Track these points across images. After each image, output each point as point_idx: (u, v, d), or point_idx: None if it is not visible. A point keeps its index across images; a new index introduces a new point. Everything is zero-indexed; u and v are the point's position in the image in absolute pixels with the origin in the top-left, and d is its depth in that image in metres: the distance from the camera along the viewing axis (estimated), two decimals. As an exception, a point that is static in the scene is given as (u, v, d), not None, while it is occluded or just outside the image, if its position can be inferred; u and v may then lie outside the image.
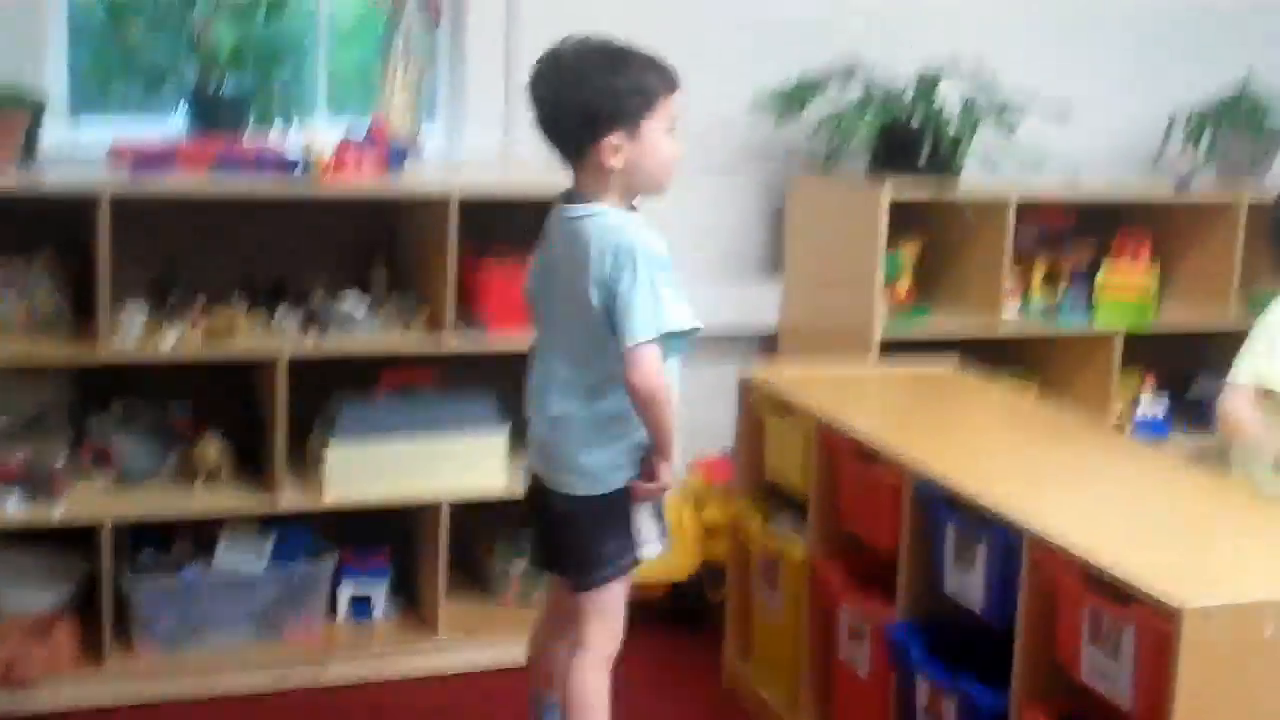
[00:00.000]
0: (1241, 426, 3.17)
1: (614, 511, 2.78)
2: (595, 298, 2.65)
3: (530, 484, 2.91)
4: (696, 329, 2.69)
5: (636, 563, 2.82)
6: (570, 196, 2.76)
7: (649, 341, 2.62)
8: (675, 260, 2.73)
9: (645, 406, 2.67)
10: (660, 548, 2.84)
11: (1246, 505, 2.89)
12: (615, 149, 2.65)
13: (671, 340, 2.67)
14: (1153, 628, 2.28)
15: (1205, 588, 2.31)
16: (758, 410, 3.53)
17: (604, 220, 2.68)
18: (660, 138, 2.68)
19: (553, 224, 2.81)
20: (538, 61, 2.70)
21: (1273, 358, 3.11)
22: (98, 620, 3.45)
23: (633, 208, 2.75)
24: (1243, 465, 3.24)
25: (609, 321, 2.65)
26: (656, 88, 2.67)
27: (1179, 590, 2.27)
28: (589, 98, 2.63)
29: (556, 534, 2.84)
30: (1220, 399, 3.21)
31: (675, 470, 2.80)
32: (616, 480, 2.76)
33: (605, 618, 2.83)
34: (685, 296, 2.68)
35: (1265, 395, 3.14)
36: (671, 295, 2.65)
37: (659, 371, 2.64)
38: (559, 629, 2.95)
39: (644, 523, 2.80)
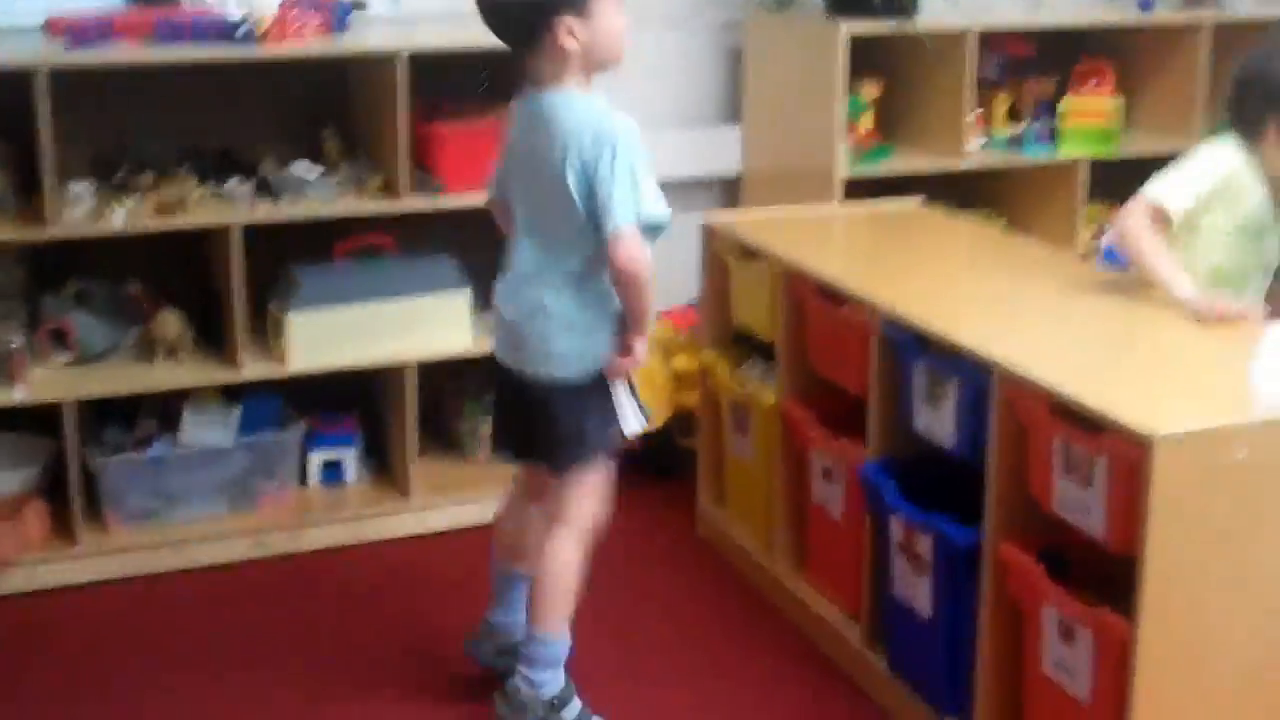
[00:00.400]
0: (1130, 236, 3.01)
1: (594, 392, 2.77)
2: (572, 182, 2.64)
3: (501, 374, 2.87)
4: (667, 220, 2.69)
5: (617, 440, 2.82)
6: (531, 85, 2.72)
7: (631, 224, 2.61)
8: (634, 107, 2.70)
9: (628, 287, 2.68)
10: (639, 424, 2.83)
11: (1215, 330, 2.87)
12: (569, 29, 2.62)
13: (647, 228, 2.66)
14: (1125, 456, 2.28)
15: (1176, 414, 2.31)
16: (722, 256, 3.49)
17: (575, 104, 2.67)
18: (611, 11, 2.66)
19: (517, 114, 2.78)
20: None
21: (1178, 187, 3.02)
22: (67, 500, 3.43)
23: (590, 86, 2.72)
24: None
25: (587, 206, 2.64)
26: None
27: (1150, 418, 2.27)
28: None
29: (535, 419, 2.82)
30: (1122, 211, 3.07)
31: (645, 349, 2.78)
32: (595, 362, 2.75)
33: (587, 494, 2.83)
34: (655, 183, 2.67)
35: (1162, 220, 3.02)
36: (648, 181, 2.65)
37: (643, 253, 2.65)
38: (530, 507, 2.94)
39: (622, 399, 2.80)
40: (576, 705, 2.85)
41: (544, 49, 2.66)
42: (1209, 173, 3.04)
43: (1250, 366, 2.67)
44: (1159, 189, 3.01)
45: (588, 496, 2.84)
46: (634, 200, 2.62)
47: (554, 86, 2.68)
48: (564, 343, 2.74)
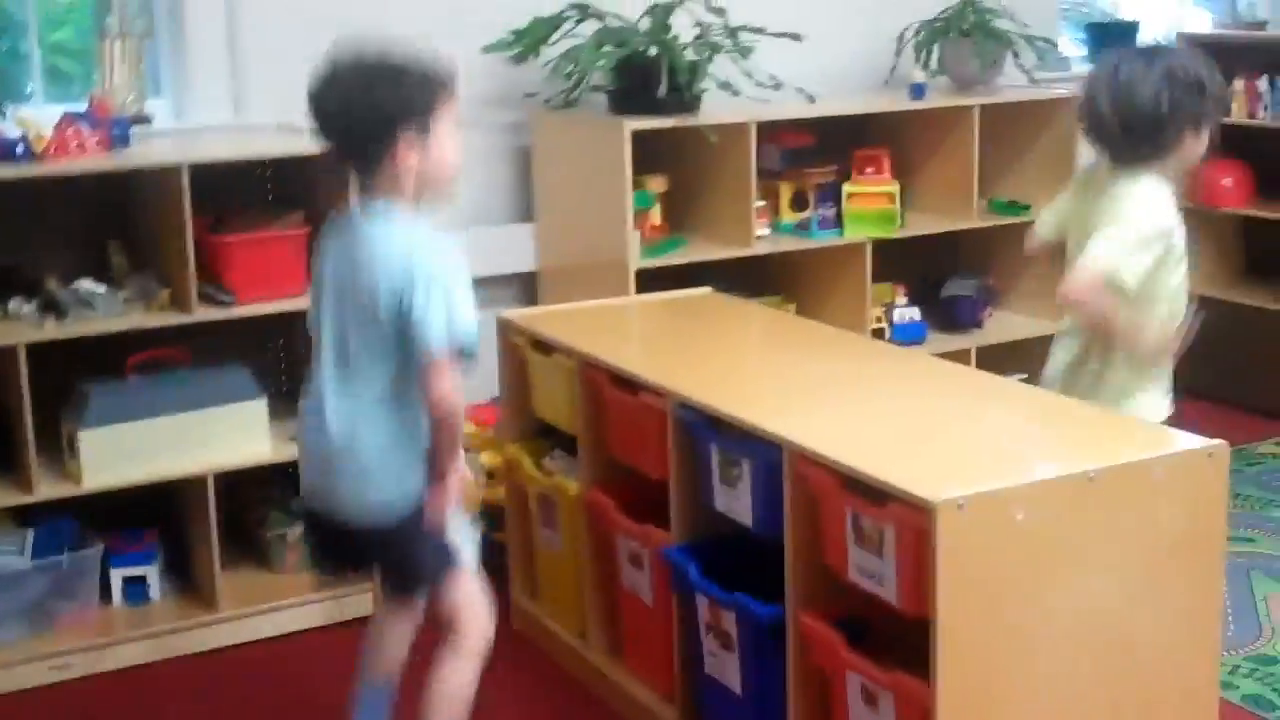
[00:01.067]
0: (1086, 302, 2.99)
1: (420, 528, 2.69)
2: (384, 307, 2.58)
3: (313, 507, 2.79)
4: (475, 342, 2.62)
5: (457, 569, 2.75)
6: (360, 200, 2.69)
7: (446, 353, 2.57)
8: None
9: (442, 420, 2.62)
10: (473, 548, 2.78)
11: (998, 396, 3.00)
12: (409, 149, 2.59)
13: (461, 352, 2.62)
14: (910, 524, 2.36)
15: (956, 481, 2.39)
16: (520, 351, 3.53)
17: (395, 225, 2.62)
18: (449, 135, 2.64)
19: (334, 231, 2.73)
20: (318, 75, 2.63)
21: (1130, 254, 2.96)
22: None
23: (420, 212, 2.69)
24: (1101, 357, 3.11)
25: (398, 330, 2.58)
26: (441, 87, 2.63)
27: (931, 486, 2.35)
28: (381, 101, 2.58)
29: (363, 555, 2.80)
30: (1069, 279, 2.99)
31: (466, 479, 2.74)
32: (414, 497, 2.68)
33: (465, 614, 2.75)
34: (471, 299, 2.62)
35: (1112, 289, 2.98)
36: (462, 301, 2.59)
37: (457, 386, 2.60)
38: (390, 616, 2.91)
39: (456, 530, 2.74)
40: None
41: (381, 167, 2.61)
42: (1155, 237, 2.99)
43: (1027, 432, 2.79)
44: (1112, 261, 2.95)
45: (464, 611, 2.75)
46: (448, 327, 2.55)
47: (383, 205, 2.63)
48: (381, 479, 2.66)
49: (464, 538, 2.77)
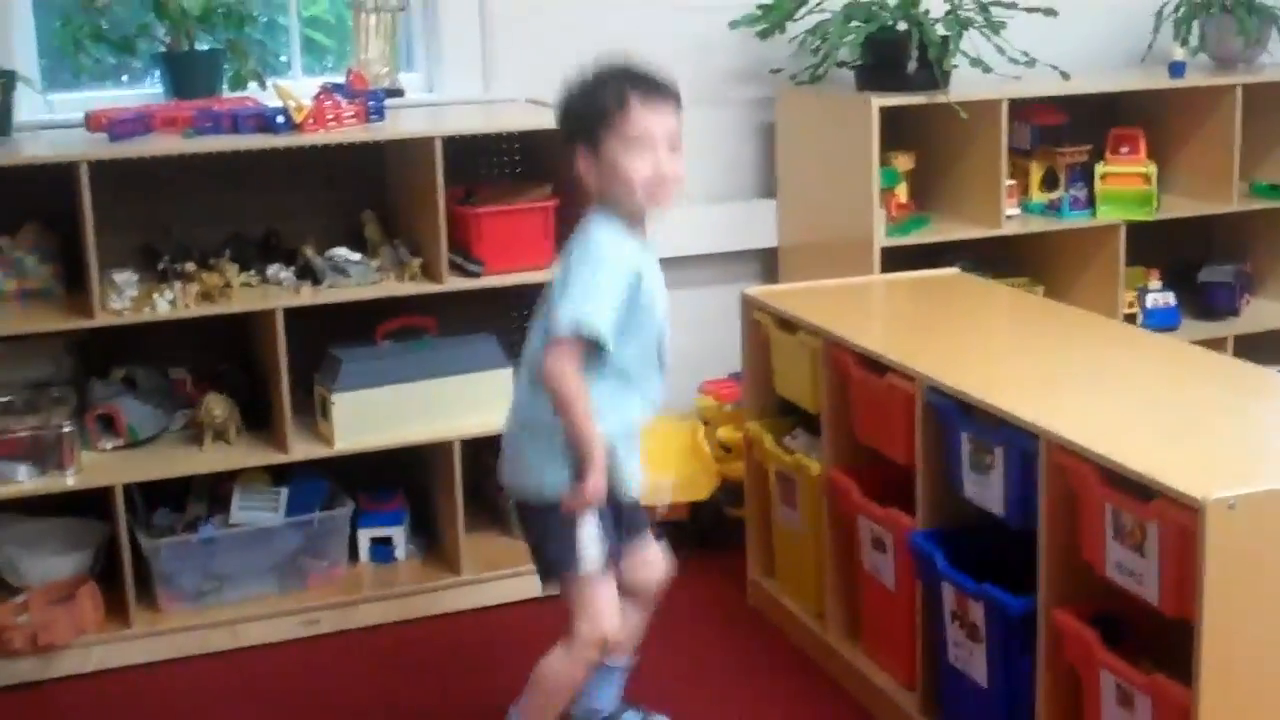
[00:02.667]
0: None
1: (550, 519, 2.74)
2: (555, 288, 2.68)
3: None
4: (600, 337, 2.63)
5: (579, 572, 2.75)
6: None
7: (567, 336, 2.61)
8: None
9: (555, 403, 2.66)
10: (597, 565, 2.76)
11: (1262, 389, 2.88)
12: (583, 162, 2.69)
13: (590, 342, 2.64)
14: (1176, 522, 2.28)
15: (1226, 478, 2.30)
16: (763, 328, 3.51)
17: (591, 223, 2.71)
18: (619, 155, 2.64)
19: None
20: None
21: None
22: (120, 583, 3.46)
23: (639, 224, 2.72)
24: None
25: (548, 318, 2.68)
26: (609, 106, 2.65)
27: (1200, 483, 2.26)
28: (560, 117, 2.75)
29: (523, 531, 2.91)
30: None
31: (600, 482, 2.69)
32: (552, 488, 2.72)
33: (581, 610, 2.78)
34: (617, 311, 2.64)
35: None
36: (594, 292, 2.62)
37: (566, 371, 2.62)
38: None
39: (585, 533, 2.73)
40: None
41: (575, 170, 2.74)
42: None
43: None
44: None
45: (578, 614, 2.78)
46: (577, 314, 2.60)
47: (593, 210, 2.72)
48: (523, 459, 2.77)
49: (592, 541, 2.74)
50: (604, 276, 2.64)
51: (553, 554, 2.77)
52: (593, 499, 2.68)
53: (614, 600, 2.82)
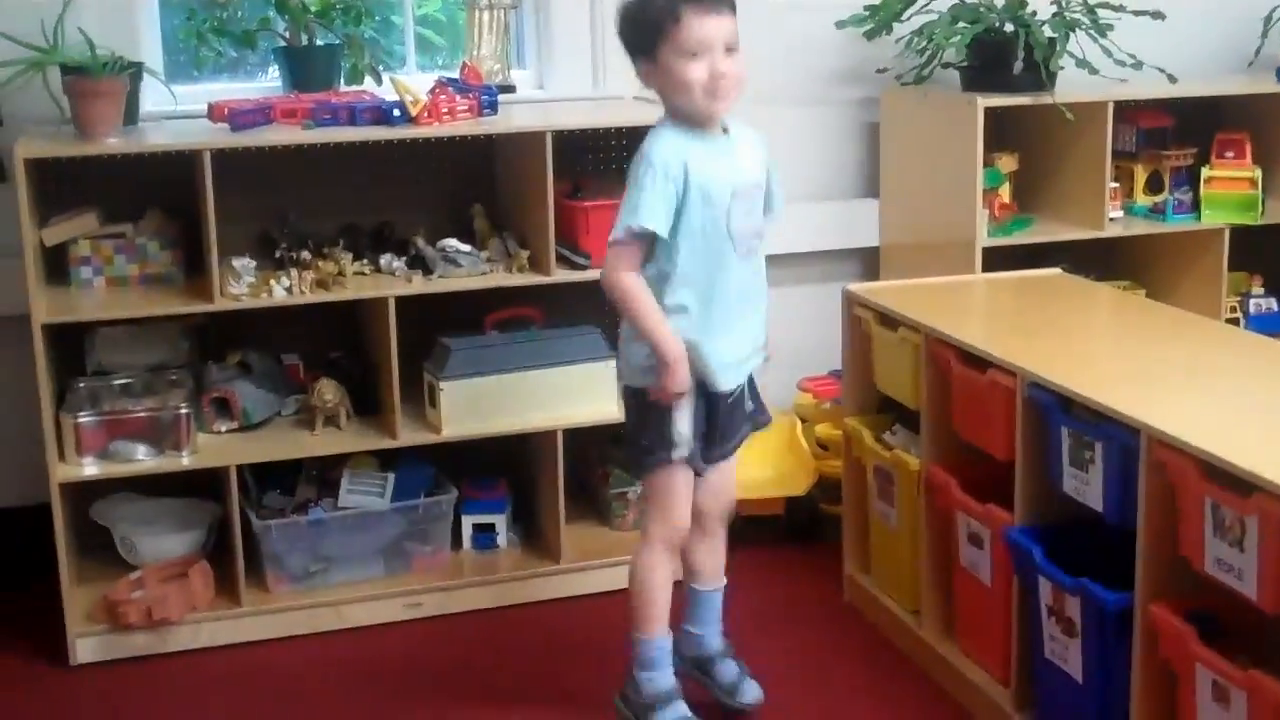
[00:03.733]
0: None
1: (645, 405, 2.92)
2: None
3: None
4: (648, 231, 2.82)
5: (670, 461, 2.94)
6: None
7: (619, 238, 2.83)
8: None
9: (616, 307, 2.91)
10: (679, 455, 2.94)
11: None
12: (646, 74, 2.88)
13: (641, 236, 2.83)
14: (1276, 517, 2.28)
15: (1328, 474, 2.30)
16: (864, 325, 3.54)
17: (650, 133, 2.90)
18: (675, 63, 2.81)
19: None
20: None
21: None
22: (231, 562, 3.56)
23: (707, 126, 2.89)
24: None
25: None
26: (661, 17, 2.81)
27: (1301, 478, 2.27)
28: (619, 33, 2.92)
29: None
30: None
31: (674, 378, 2.86)
32: (642, 376, 2.92)
33: (655, 503, 3.00)
34: (668, 202, 2.82)
35: None
36: (637, 194, 2.80)
37: (619, 273, 2.85)
38: (695, 526, 3.09)
39: (679, 423, 2.92)
40: (678, 709, 3.00)
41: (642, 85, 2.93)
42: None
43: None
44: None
45: (657, 505, 3.01)
46: (627, 216, 2.81)
47: (658, 121, 2.93)
48: (622, 348, 3.01)
49: (677, 432, 2.93)
50: (648, 177, 2.81)
51: (641, 439, 2.96)
52: (668, 394, 2.86)
53: (687, 494, 3.01)
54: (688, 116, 2.87)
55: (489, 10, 3.94)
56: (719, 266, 2.89)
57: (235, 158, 3.48)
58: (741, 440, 3.12)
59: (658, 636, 3.04)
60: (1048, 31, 3.95)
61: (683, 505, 3.01)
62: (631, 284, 2.85)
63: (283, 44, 3.82)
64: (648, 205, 2.80)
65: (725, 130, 2.92)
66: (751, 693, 3.18)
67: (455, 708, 3.29)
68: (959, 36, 3.96)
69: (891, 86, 4.26)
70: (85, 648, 3.48)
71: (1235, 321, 4.28)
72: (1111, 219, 4.12)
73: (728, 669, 3.19)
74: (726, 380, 2.96)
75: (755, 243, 2.96)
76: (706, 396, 2.95)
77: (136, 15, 3.79)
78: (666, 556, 3.02)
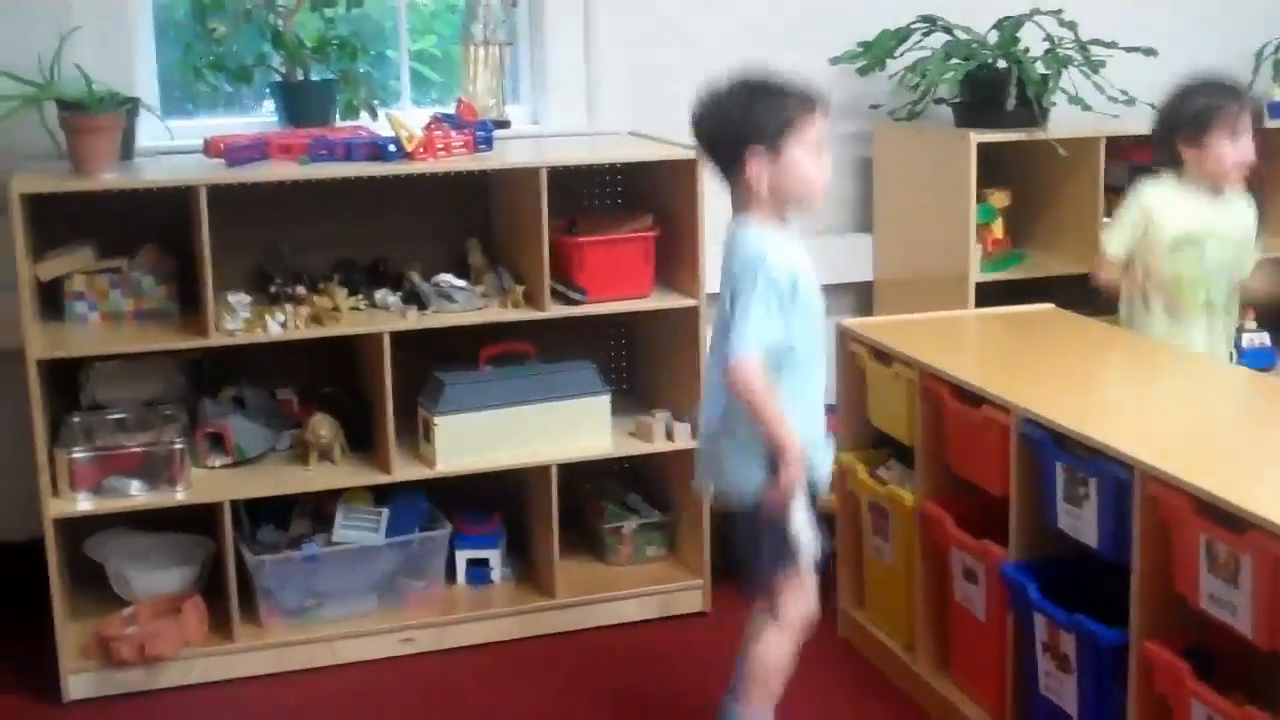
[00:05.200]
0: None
1: (759, 520, 2.87)
2: (729, 304, 2.81)
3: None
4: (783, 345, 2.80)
5: (797, 566, 2.91)
6: (734, 210, 2.90)
7: (748, 356, 2.75)
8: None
9: (749, 412, 2.79)
10: (815, 546, 2.92)
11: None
12: (759, 169, 2.78)
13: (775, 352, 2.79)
14: (1270, 554, 2.29)
15: (1322, 511, 2.31)
16: (858, 360, 3.55)
17: (749, 235, 2.82)
18: (801, 157, 2.79)
19: (728, 239, 2.93)
20: (699, 95, 2.85)
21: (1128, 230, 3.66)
22: (225, 597, 3.55)
23: (787, 223, 2.87)
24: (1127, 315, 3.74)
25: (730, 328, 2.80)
26: (795, 111, 2.78)
27: (1296, 515, 2.27)
28: (731, 122, 2.80)
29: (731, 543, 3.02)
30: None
31: (798, 475, 2.82)
32: (756, 488, 2.85)
33: (792, 593, 2.96)
34: (798, 312, 2.80)
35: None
36: (763, 312, 2.75)
37: (752, 380, 2.76)
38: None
39: (797, 523, 2.87)
40: None
41: (735, 179, 2.82)
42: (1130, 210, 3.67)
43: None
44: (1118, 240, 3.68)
45: (788, 595, 2.95)
46: (757, 332, 2.74)
47: (742, 214, 2.85)
48: (726, 467, 2.91)
49: (804, 529, 2.88)
50: (768, 288, 2.75)
51: (768, 556, 2.90)
52: (790, 493, 2.82)
53: (815, 581, 2.98)
54: (777, 213, 2.84)
55: (484, 46, 3.96)
56: (818, 368, 2.92)
57: (231, 193, 3.49)
58: None
59: (759, 715, 3.02)
60: (1040, 68, 3.98)
61: (814, 593, 3.00)
62: (767, 392, 2.78)
63: (279, 79, 3.83)
64: (773, 323, 2.76)
65: None
66: None
67: (449, 744, 3.28)
68: (952, 73, 3.98)
69: (885, 122, 4.28)
70: (78, 684, 3.47)
71: (1228, 357, 4.27)
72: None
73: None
74: (827, 480, 3.01)
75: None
76: (812, 498, 2.95)
77: (133, 50, 3.80)
78: (799, 642, 3.01)
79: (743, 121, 2.79)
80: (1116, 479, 2.65)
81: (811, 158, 2.79)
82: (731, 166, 2.82)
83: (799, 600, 2.96)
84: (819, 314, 2.90)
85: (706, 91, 2.84)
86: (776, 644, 2.98)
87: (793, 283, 2.79)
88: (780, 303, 2.77)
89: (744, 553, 2.96)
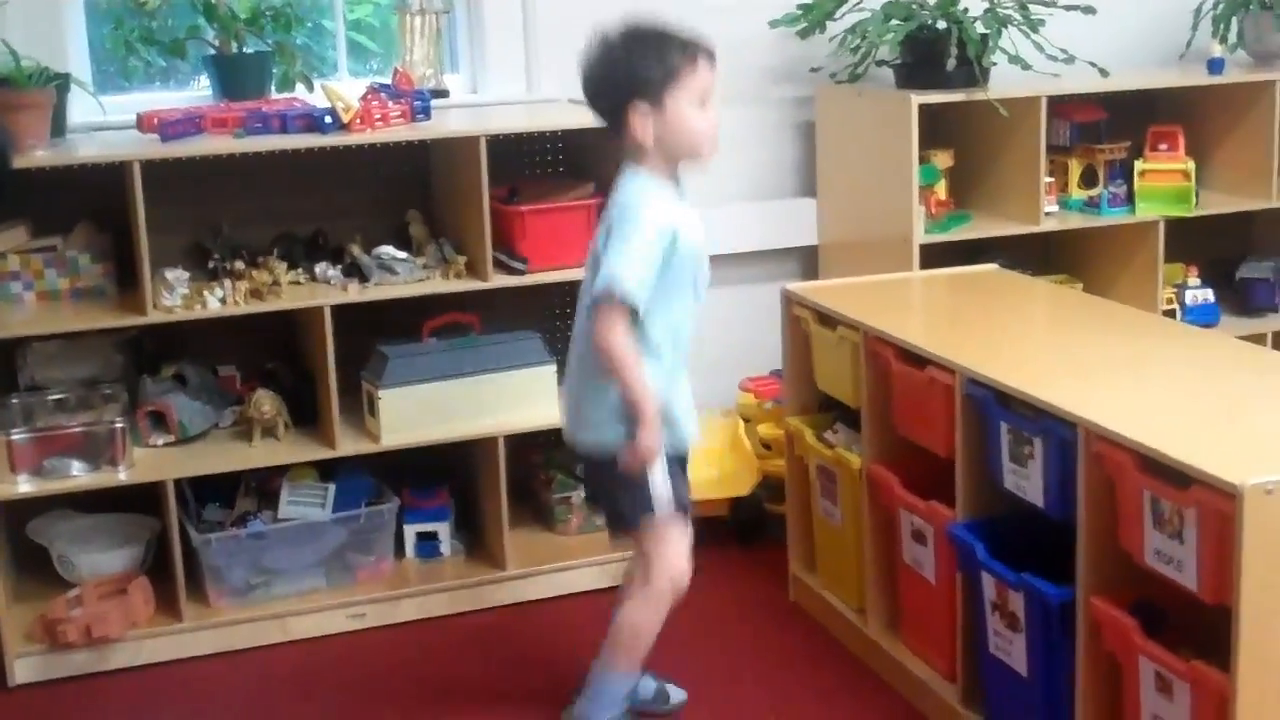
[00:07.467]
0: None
1: (619, 470, 2.86)
2: (602, 244, 2.79)
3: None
4: (632, 301, 2.74)
5: (653, 516, 2.89)
6: (622, 166, 2.87)
7: (610, 300, 2.72)
8: (711, 183, 2.79)
9: (606, 364, 2.78)
10: (668, 507, 2.89)
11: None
12: (642, 122, 2.76)
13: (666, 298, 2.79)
14: (1214, 508, 2.30)
15: (1264, 465, 2.31)
16: (803, 324, 3.54)
17: (630, 184, 2.81)
18: (685, 109, 2.76)
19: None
20: (584, 49, 2.82)
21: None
22: (171, 577, 3.52)
23: (675, 178, 2.85)
24: None
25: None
26: (677, 62, 2.75)
27: (1237, 469, 2.28)
28: (613, 74, 2.78)
29: (589, 485, 3.01)
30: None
31: (655, 436, 2.80)
32: (614, 438, 2.84)
33: (655, 554, 2.94)
34: (652, 273, 2.76)
35: None
36: (628, 255, 2.72)
37: (615, 333, 2.74)
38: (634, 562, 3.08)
39: (655, 478, 2.86)
40: None
41: (623, 132, 2.80)
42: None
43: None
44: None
45: (655, 556, 2.94)
46: (621, 279, 2.71)
47: (631, 168, 2.83)
48: (585, 412, 2.90)
49: (662, 484, 2.87)
50: (641, 240, 2.74)
51: (625, 505, 2.90)
52: (649, 455, 2.80)
53: (685, 542, 2.96)
54: (667, 167, 2.82)
55: (421, 15, 3.92)
56: (687, 326, 2.90)
57: (166, 168, 3.43)
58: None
59: (623, 677, 3.03)
60: (980, 28, 3.97)
61: (681, 553, 2.96)
62: (627, 346, 2.76)
63: (213, 52, 3.78)
64: (640, 277, 2.73)
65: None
66: (677, 693, 3.22)
67: (402, 718, 3.26)
68: (892, 34, 3.96)
69: (826, 85, 4.26)
70: (24, 668, 3.43)
71: (1171, 313, 4.31)
72: (1047, 214, 4.14)
73: (646, 685, 3.19)
74: (689, 435, 2.98)
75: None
76: (675, 455, 2.94)
77: (62, 25, 3.74)
78: (664, 610, 2.99)
79: (625, 75, 2.77)
80: (1061, 438, 2.65)
81: (696, 109, 2.77)
82: (617, 120, 2.80)
83: (667, 558, 2.93)
84: (701, 278, 2.88)
85: (591, 44, 2.80)
86: (641, 610, 2.98)
87: (672, 239, 2.77)
88: (652, 253, 2.74)
89: (606, 502, 3.00)
